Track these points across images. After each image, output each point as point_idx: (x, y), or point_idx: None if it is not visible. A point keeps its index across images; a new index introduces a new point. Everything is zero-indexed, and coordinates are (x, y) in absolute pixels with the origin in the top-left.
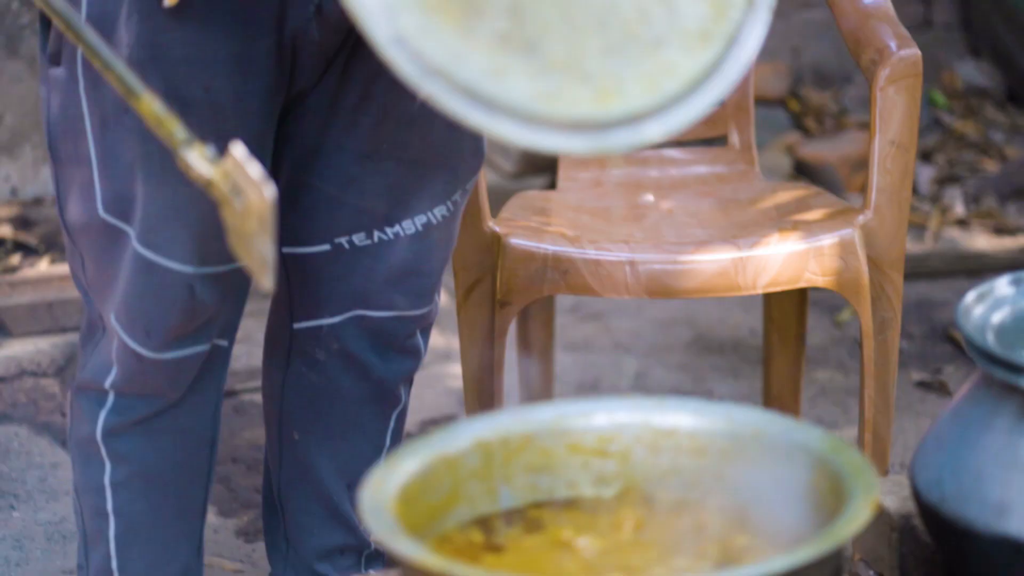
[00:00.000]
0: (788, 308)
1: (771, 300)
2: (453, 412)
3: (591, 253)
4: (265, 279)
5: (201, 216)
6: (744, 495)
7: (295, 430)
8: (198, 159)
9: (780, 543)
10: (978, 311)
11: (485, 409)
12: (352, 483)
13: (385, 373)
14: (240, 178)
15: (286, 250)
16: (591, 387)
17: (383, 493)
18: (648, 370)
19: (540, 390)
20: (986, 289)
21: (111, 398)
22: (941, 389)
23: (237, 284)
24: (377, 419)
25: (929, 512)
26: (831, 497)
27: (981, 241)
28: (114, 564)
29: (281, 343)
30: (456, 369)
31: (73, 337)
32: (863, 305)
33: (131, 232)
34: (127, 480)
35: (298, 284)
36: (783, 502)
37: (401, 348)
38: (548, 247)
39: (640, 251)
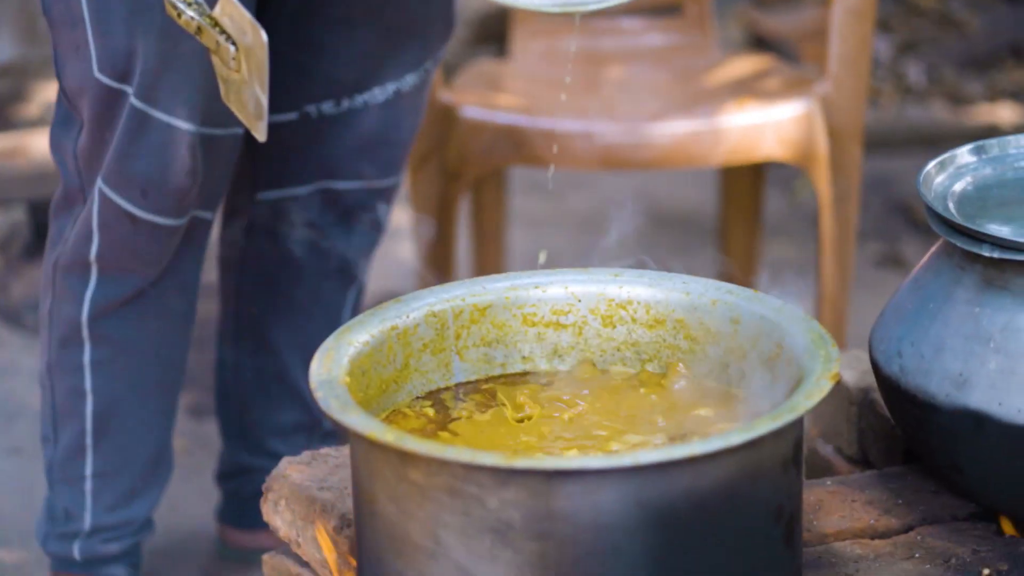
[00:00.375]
0: (744, 182)
1: (727, 174)
2: (404, 287)
3: (545, 124)
4: (259, 129)
5: (204, 72)
6: (702, 367)
7: (253, 305)
8: (185, 3)
9: (739, 416)
10: (939, 180)
11: (437, 283)
12: (308, 359)
13: (347, 249)
14: (234, 22)
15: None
16: (548, 261)
17: (334, 366)
18: (601, 245)
19: (492, 266)
20: (947, 158)
21: (94, 276)
22: (898, 263)
23: (229, 153)
24: (336, 296)
25: (888, 385)
26: (791, 369)
27: (939, 113)
28: (88, 440)
29: (241, 215)
30: (407, 244)
31: None
32: (821, 178)
33: (129, 90)
34: (108, 360)
35: (264, 154)
36: (741, 374)
37: (364, 222)
38: (501, 118)
39: (595, 122)
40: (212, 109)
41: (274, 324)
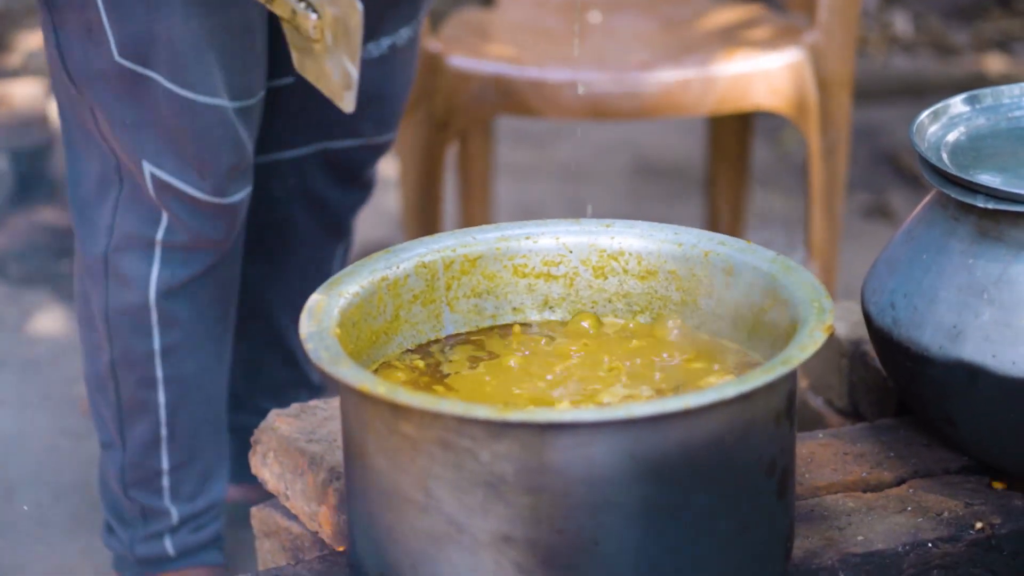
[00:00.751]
0: (731, 132)
1: (714, 124)
2: (391, 238)
3: (533, 73)
4: (347, 100)
5: (225, 47)
6: (694, 319)
7: (248, 267)
8: None
9: (732, 367)
10: (932, 130)
11: (424, 234)
12: (298, 318)
13: (340, 207)
14: None
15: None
16: (530, 214)
17: (324, 318)
18: (588, 196)
19: (479, 217)
20: (940, 108)
21: (158, 257)
22: (886, 214)
23: (258, 119)
24: (327, 253)
25: (881, 337)
26: (784, 320)
27: (926, 63)
28: (163, 432)
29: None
30: (392, 195)
31: None
32: (811, 128)
33: (156, 75)
34: (178, 344)
35: (263, 118)
36: (734, 325)
37: (358, 180)
38: (489, 67)
39: (584, 71)
40: (241, 81)
41: (268, 285)
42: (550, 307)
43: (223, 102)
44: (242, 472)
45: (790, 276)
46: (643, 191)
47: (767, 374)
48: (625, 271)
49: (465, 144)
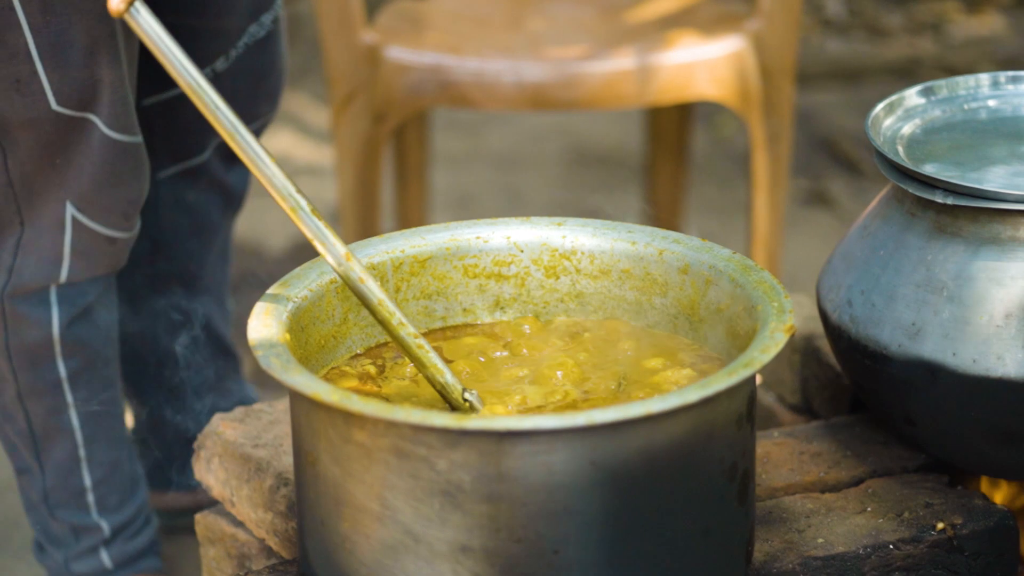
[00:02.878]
0: (671, 120)
1: (653, 111)
2: None
3: (473, 64)
4: None
5: (133, 80)
6: (650, 317)
7: (172, 270)
8: None
9: (690, 366)
10: (887, 123)
11: (361, 227)
12: (223, 302)
13: (240, 184)
14: None
15: (150, 100)
16: (466, 203)
17: (273, 322)
18: (524, 185)
19: (415, 208)
20: (895, 100)
21: (58, 294)
22: (824, 201)
23: None
24: (229, 228)
25: (838, 335)
26: (742, 320)
27: (860, 46)
28: (81, 452)
29: (145, 201)
30: (324, 184)
31: None
32: (753, 117)
33: (95, 118)
34: (83, 367)
35: (162, 132)
36: (690, 324)
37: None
38: (427, 58)
39: (523, 62)
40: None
41: (193, 283)
42: (501, 308)
43: (138, 138)
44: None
45: (747, 275)
46: (579, 179)
47: (730, 377)
48: (578, 270)
49: (401, 134)
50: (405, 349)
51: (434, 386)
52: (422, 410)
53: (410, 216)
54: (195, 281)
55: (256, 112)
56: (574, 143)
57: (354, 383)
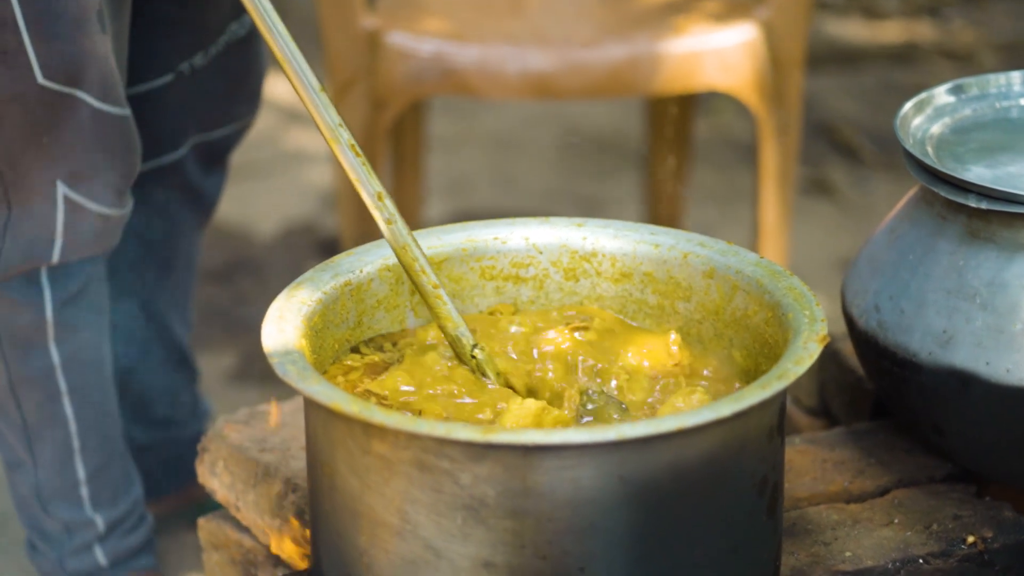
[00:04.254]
0: (672, 108)
1: (654, 99)
2: (316, 215)
3: (475, 51)
4: None
5: (120, 53)
6: (672, 323)
7: (134, 276)
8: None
9: (717, 377)
10: (916, 123)
11: (360, 216)
12: (184, 313)
13: (214, 193)
14: None
15: (127, 92)
16: (460, 188)
17: (287, 328)
18: (519, 170)
19: (411, 193)
20: (924, 99)
21: (50, 275)
22: (826, 189)
23: None
24: (198, 239)
25: (864, 340)
26: (771, 328)
27: (856, 30)
28: (76, 443)
29: None
30: (315, 170)
31: None
32: (763, 108)
33: (83, 95)
34: (76, 352)
35: (137, 126)
36: (715, 330)
37: (223, 162)
38: (429, 44)
39: (527, 50)
40: (126, 86)
41: (154, 287)
42: (519, 311)
43: (127, 111)
44: (164, 485)
45: (776, 281)
46: (575, 165)
47: (763, 390)
48: (598, 273)
49: (396, 119)
50: (423, 296)
51: (446, 337)
52: (446, 423)
53: (406, 202)
54: (156, 286)
55: (235, 113)
56: (568, 127)
57: (355, 376)
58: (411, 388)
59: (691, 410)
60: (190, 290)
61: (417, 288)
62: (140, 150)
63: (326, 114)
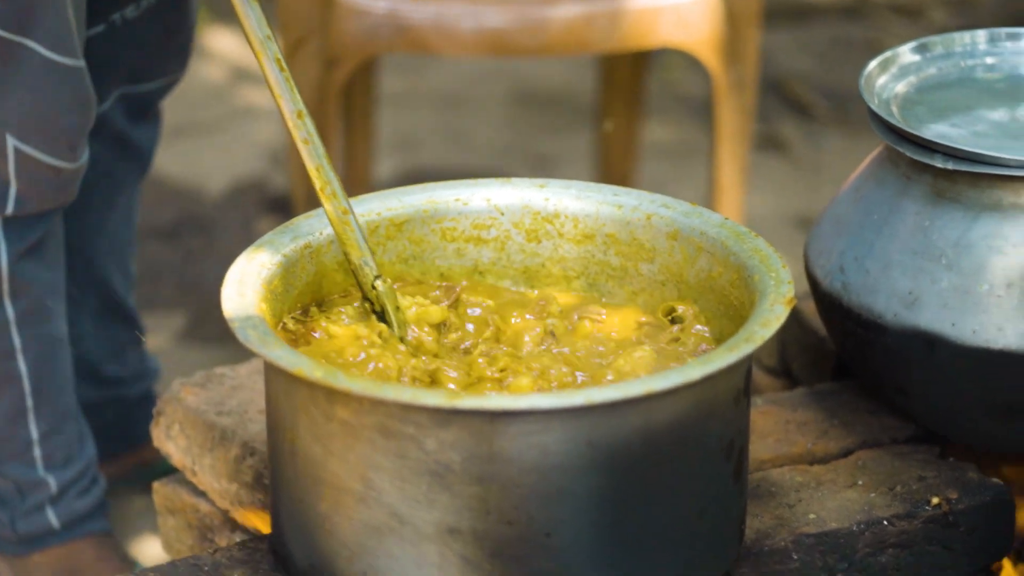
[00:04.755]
0: (625, 64)
1: (608, 55)
2: (266, 172)
3: (430, 7)
4: None
5: (77, 1)
6: (635, 284)
7: (73, 230)
8: None
9: (681, 342)
10: (881, 82)
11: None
12: (123, 266)
13: (148, 144)
14: None
15: None
16: (411, 146)
17: (247, 291)
18: (469, 127)
19: (362, 151)
20: (889, 57)
21: (3, 227)
22: (778, 145)
23: None
24: (136, 190)
25: (829, 302)
26: (737, 290)
27: None
28: (29, 402)
29: None
30: (263, 125)
31: None
32: (719, 64)
33: (33, 44)
34: (30, 309)
35: None
36: (679, 292)
37: (155, 112)
38: (383, 2)
39: (483, 5)
40: (82, 37)
41: (91, 241)
42: (480, 273)
43: (81, 62)
44: (113, 445)
45: (741, 243)
46: (526, 121)
47: (731, 353)
48: (560, 235)
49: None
50: (331, 221)
51: (350, 266)
52: (412, 388)
53: (357, 160)
54: (94, 241)
55: (164, 68)
56: (518, 83)
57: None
58: None
59: (660, 374)
60: (130, 245)
61: (326, 212)
62: (94, 102)
63: (256, 25)
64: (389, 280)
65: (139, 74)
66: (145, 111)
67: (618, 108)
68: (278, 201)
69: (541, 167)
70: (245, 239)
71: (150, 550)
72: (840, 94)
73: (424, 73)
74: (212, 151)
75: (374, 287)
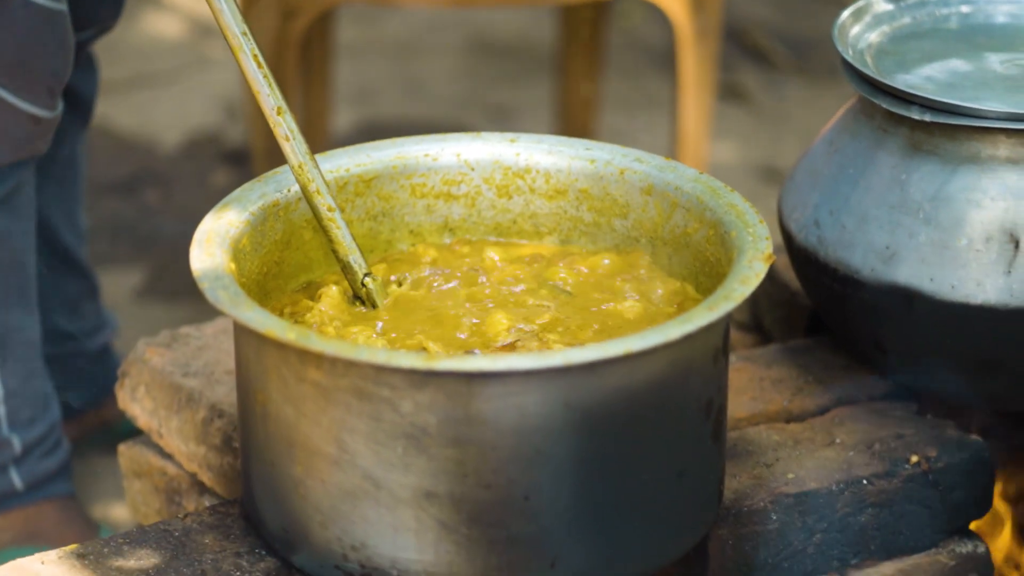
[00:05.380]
0: (586, 14)
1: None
2: (220, 125)
3: None
4: None
5: None
6: (608, 240)
7: None
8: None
9: (654, 298)
10: (855, 31)
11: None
12: (73, 218)
13: (87, 89)
14: None
15: None
16: (367, 97)
17: (216, 251)
18: (425, 76)
19: (320, 103)
20: (863, 6)
21: None
22: (739, 95)
23: None
24: (82, 142)
25: (804, 256)
26: (712, 245)
27: None
28: None
29: None
30: (216, 78)
31: None
32: (683, 12)
33: None
34: (2, 262)
35: None
36: (653, 248)
37: (88, 58)
38: None
39: None
40: None
41: (37, 192)
42: (450, 230)
43: (63, 5)
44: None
45: (716, 198)
46: (484, 71)
47: (711, 311)
48: (532, 190)
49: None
50: (317, 219)
51: (338, 263)
52: (387, 350)
53: (314, 113)
54: (39, 192)
55: (96, 16)
56: (473, 31)
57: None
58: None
59: (638, 334)
60: (77, 195)
61: (312, 209)
62: (73, 48)
63: (232, 21)
64: (379, 277)
65: (77, 24)
66: (81, 59)
67: (579, 59)
68: (235, 154)
69: (500, 118)
70: (202, 193)
71: (114, 513)
72: (799, 41)
73: (379, 23)
74: (166, 103)
75: (364, 284)
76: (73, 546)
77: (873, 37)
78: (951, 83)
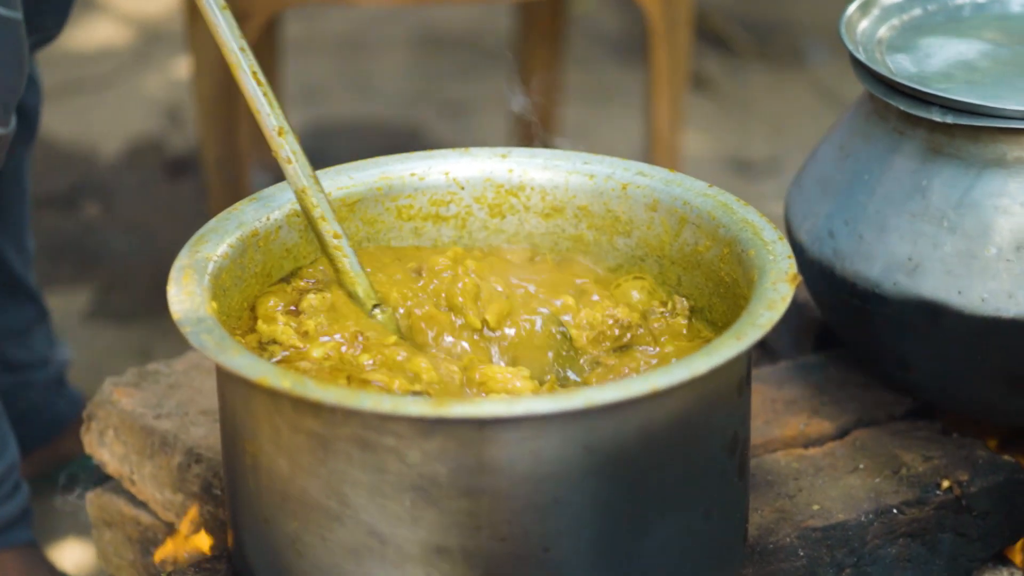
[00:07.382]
0: (545, 4)
1: None
2: (162, 131)
3: None
4: None
5: None
6: (611, 260)
7: None
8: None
9: (665, 323)
10: (863, 26)
11: (226, 136)
12: (20, 242)
13: (33, 102)
14: None
15: None
16: (316, 97)
17: (196, 289)
18: (374, 73)
19: None
20: None
21: None
22: (703, 83)
23: None
24: (27, 157)
25: (818, 269)
26: (728, 264)
27: None
28: None
29: None
30: (152, 82)
31: None
32: (653, 2)
33: None
34: None
35: None
36: (660, 267)
37: (36, 69)
38: None
39: None
40: None
41: None
42: (440, 253)
43: (19, 14)
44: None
45: (729, 213)
46: (433, 65)
47: (738, 342)
48: (526, 208)
49: None
50: (322, 247)
51: (347, 293)
52: (392, 396)
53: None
54: None
55: (40, 24)
56: (421, 24)
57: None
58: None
59: (662, 369)
60: (24, 215)
61: (316, 236)
62: (28, 59)
63: (229, 36)
64: (388, 308)
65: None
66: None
67: (538, 51)
68: (179, 162)
69: (454, 114)
70: (147, 204)
71: (74, 557)
72: (760, 24)
73: (322, 19)
74: (103, 109)
75: (372, 316)
76: None
77: (882, 32)
78: (971, 80)
